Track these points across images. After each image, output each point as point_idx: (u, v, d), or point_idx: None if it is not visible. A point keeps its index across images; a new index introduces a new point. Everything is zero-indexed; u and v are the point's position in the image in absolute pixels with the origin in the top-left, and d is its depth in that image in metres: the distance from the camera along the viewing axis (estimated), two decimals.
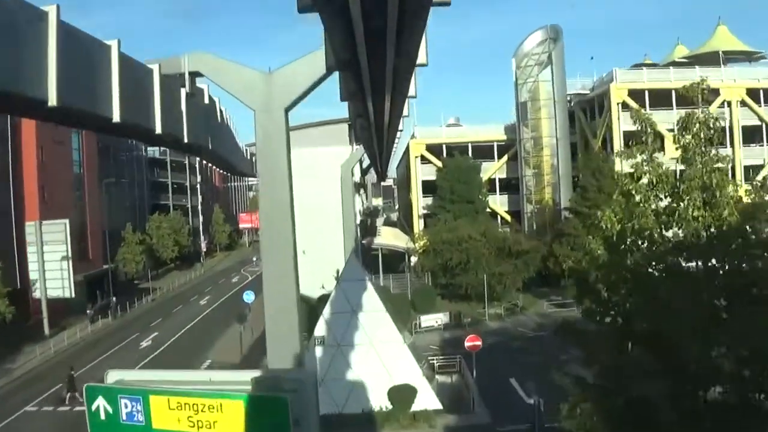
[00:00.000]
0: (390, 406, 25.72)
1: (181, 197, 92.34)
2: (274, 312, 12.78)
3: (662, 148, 15.09)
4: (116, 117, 10.66)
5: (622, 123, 53.74)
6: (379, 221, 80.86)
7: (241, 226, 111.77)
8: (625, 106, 54.03)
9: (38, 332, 42.67)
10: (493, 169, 64.38)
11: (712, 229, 13.75)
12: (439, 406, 26.27)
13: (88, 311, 49.24)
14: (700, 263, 13.88)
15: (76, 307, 48.38)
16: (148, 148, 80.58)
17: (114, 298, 53.26)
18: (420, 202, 64.39)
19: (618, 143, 53.23)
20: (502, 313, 45.64)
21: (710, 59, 56.18)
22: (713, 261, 13.72)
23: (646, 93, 54.10)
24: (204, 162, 78.09)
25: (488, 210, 60.74)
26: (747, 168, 53.26)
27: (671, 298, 13.04)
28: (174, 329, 46.28)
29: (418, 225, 62.91)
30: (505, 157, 64.37)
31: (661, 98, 51.39)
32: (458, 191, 57.51)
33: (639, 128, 14.63)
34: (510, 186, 64.18)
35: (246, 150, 32.23)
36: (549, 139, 59.02)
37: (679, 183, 13.97)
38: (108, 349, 40.80)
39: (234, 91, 12.75)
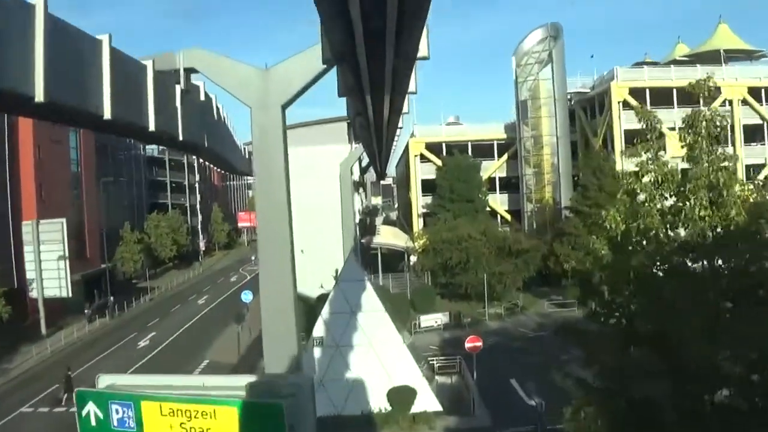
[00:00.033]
0: (389, 408, 25.44)
1: (180, 196, 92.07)
2: (271, 314, 12.52)
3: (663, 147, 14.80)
4: (107, 114, 10.37)
5: (623, 122, 53.48)
6: (379, 220, 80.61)
7: (239, 225, 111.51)
8: (626, 104, 53.81)
9: (35, 332, 42.36)
10: (493, 168, 64.10)
11: (719, 229, 13.45)
12: (439, 407, 25.99)
13: (85, 311, 48.99)
14: (706, 264, 13.59)
15: (73, 307, 48.08)
16: (147, 147, 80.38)
17: (112, 298, 52.98)
18: (419, 201, 64.09)
19: (619, 142, 53.02)
20: (502, 312, 45.35)
21: (711, 58, 55.88)
22: (719, 261, 13.43)
23: (647, 91, 53.79)
24: (203, 161, 77.81)
25: (488, 209, 60.42)
26: (748, 167, 52.99)
27: (676, 299, 12.79)
28: (172, 329, 45.98)
29: (418, 224, 62.63)
30: (505, 156, 64.09)
31: (662, 97, 51.17)
32: (458, 190, 57.19)
33: (644, 126, 14.31)
34: (510, 185, 63.91)
35: (244, 149, 31.92)
36: (549, 138, 58.73)
37: (685, 182, 13.66)
38: (105, 349, 40.51)
39: (230, 88, 12.48)
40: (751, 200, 14.23)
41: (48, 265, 43.76)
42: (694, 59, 57.15)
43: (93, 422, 9.33)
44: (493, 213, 62.03)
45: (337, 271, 33.27)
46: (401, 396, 25.45)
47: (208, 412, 8.71)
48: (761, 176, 48.20)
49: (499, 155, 64.41)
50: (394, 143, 33.18)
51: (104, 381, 10.06)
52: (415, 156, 64.36)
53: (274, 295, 12.56)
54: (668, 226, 13.81)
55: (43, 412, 29.20)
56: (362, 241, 54.68)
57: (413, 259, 55.52)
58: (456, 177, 57.47)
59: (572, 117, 61.15)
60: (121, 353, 39.69)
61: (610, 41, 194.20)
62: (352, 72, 6.89)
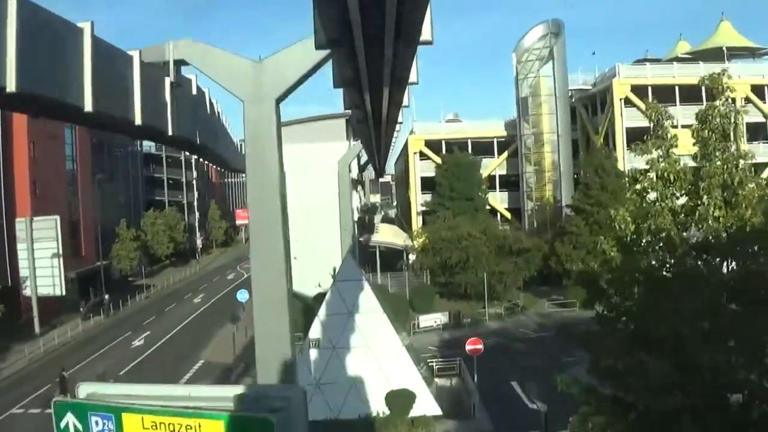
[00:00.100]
0: (387, 412, 24.82)
1: (177, 193, 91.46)
2: (264, 317, 11.96)
3: None
4: (88, 106, 9.76)
5: (625, 119, 52.90)
6: (377, 218, 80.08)
7: (237, 222, 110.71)
8: (627, 101, 53.21)
9: (29, 330, 41.89)
10: (493, 166, 63.53)
11: (733, 230, 12.83)
12: (438, 411, 25.38)
13: (81, 309, 48.40)
14: (719, 266, 12.99)
15: (69, 305, 47.57)
16: (144, 144, 79.73)
17: (107, 296, 52.43)
18: (419, 199, 63.45)
19: (621, 140, 52.47)
20: (503, 312, 44.78)
21: (713, 55, 55.29)
22: (733, 264, 12.84)
23: (650, 89, 53.12)
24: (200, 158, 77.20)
25: (488, 207, 59.82)
26: (750, 165, 52.34)
27: (688, 302, 12.19)
28: (167, 328, 45.45)
29: (417, 222, 62.01)
30: (506, 154, 63.51)
31: (664, 94, 50.49)
32: (457, 188, 56.54)
33: (654, 122, 13.67)
34: (510, 183, 63.33)
35: (240, 145, 31.32)
36: (550, 136, 58.20)
37: (697, 180, 13.05)
38: (99, 349, 39.98)
39: (221, 81, 11.91)
40: (766, 199, 13.63)
41: (42, 262, 43.32)
42: (697, 57, 56.58)
43: None
44: (493, 211, 61.44)
45: (334, 269, 32.68)
46: (400, 399, 24.85)
47: (192, 426, 8.12)
48: (764, 174, 47.64)
49: (500, 153, 63.85)
50: (394, 139, 32.52)
51: (85, 390, 9.46)
52: (415, 153, 63.75)
53: (267, 299, 11.99)
54: (680, 226, 13.18)
55: (34, 413, 28.59)
56: (360, 239, 54.10)
57: (412, 257, 54.91)
58: (455, 175, 56.81)
59: (573, 114, 60.53)
60: (114, 353, 39.19)
61: (611, 38, 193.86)
62: (348, 59, 6.27)
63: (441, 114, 76.31)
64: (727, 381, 12.40)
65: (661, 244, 13.12)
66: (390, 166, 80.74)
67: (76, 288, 50.13)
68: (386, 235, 62.47)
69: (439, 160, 60.74)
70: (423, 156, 63.75)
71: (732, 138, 13.34)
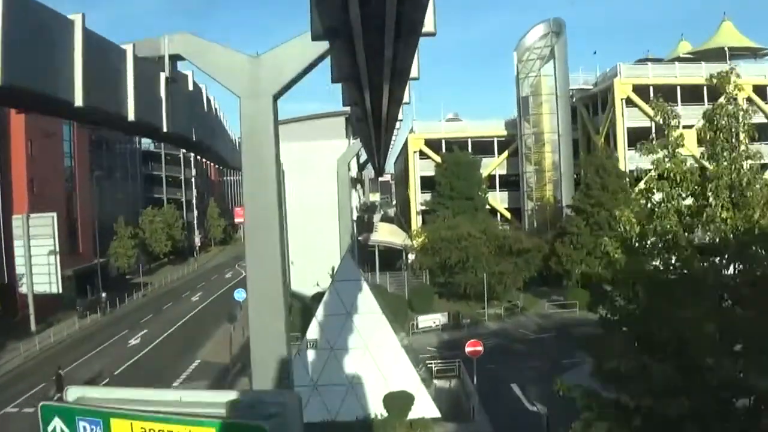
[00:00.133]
0: (385, 414, 24.52)
1: (176, 191, 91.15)
2: (260, 319, 11.72)
3: None
4: (79, 101, 9.46)
5: (626, 119, 52.61)
6: (377, 217, 79.72)
7: (236, 220, 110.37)
8: (629, 101, 52.92)
9: (25, 328, 41.51)
10: (493, 165, 63.23)
11: (741, 232, 12.53)
12: (437, 413, 25.06)
13: (77, 307, 48.07)
14: (726, 268, 12.70)
15: (65, 303, 47.24)
16: (143, 141, 79.37)
17: (104, 294, 52.09)
18: (418, 198, 63.15)
19: (622, 140, 52.19)
20: (502, 313, 44.46)
21: (715, 55, 55.03)
22: (741, 266, 12.54)
23: (651, 89, 52.83)
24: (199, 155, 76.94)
25: (488, 207, 59.53)
26: (759, 166, 52.09)
27: (693, 306, 11.91)
28: (164, 327, 45.14)
29: (416, 221, 61.71)
30: (506, 153, 63.21)
31: (666, 94, 49.98)
32: (457, 187, 56.23)
33: (661, 120, 13.36)
34: (510, 183, 63.04)
35: (239, 143, 31.01)
36: (551, 135, 57.89)
37: (704, 181, 12.74)
38: (94, 347, 39.62)
39: (217, 76, 11.65)
40: None
41: (38, 260, 42.86)
42: (698, 57, 56.29)
43: None
44: (493, 211, 61.14)
45: (333, 268, 32.37)
46: (398, 401, 24.54)
47: None
48: (766, 175, 47.35)
49: (500, 152, 63.55)
50: (393, 138, 32.23)
51: (73, 393, 9.18)
52: (414, 152, 63.48)
53: (263, 298, 11.77)
54: (687, 228, 12.88)
55: (28, 412, 28.23)
56: (359, 238, 53.82)
57: (411, 257, 54.61)
58: (455, 174, 56.50)
59: (574, 114, 60.25)
60: (110, 351, 38.87)
61: (612, 38, 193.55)
62: (346, 50, 5.96)
63: (441, 113, 75.92)
64: (733, 385, 12.13)
65: (667, 246, 12.81)
66: (390, 165, 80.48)
67: (73, 286, 49.77)
68: (385, 234, 62.16)
69: (438, 159, 60.44)
70: (423, 155, 63.47)
71: (740, 138, 13.02)
